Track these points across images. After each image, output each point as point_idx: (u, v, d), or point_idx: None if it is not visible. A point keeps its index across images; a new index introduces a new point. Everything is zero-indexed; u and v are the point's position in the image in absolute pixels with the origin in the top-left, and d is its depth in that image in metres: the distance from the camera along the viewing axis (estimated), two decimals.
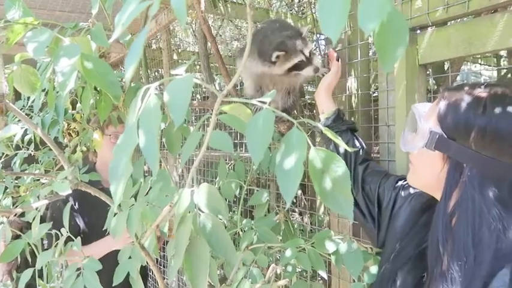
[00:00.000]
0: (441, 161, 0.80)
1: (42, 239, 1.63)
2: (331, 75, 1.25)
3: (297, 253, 1.11)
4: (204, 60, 1.84)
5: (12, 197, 1.55)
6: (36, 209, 1.00)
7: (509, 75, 2.87)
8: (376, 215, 1.06)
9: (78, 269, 0.99)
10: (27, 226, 1.19)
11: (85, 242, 1.64)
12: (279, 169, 0.50)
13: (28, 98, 1.58)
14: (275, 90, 0.63)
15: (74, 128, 1.56)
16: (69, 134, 1.57)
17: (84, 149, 1.60)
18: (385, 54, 0.43)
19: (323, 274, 1.09)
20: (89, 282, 0.94)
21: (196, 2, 1.37)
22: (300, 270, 1.37)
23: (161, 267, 2.78)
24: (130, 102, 0.55)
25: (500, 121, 0.72)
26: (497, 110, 0.72)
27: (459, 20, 1.13)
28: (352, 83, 1.42)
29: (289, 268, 1.14)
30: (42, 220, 1.37)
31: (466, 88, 0.78)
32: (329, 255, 1.10)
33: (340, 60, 1.30)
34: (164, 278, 2.44)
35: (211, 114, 0.60)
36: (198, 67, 2.64)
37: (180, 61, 2.77)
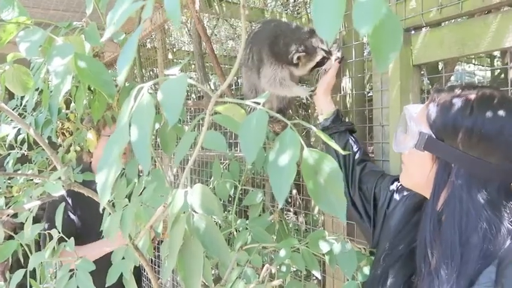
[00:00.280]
0: (430, 161, 0.81)
1: (38, 240, 1.63)
2: (330, 76, 1.25)
3: (291, 253, 1.11)
4: (199, 60, 1.84)
5: (5, 197, 1.54)
6: (29, 209, 0.99)
7: (502, 76, 2.90)
8: (372, 214, 1.08)
9: (72, 270, 0.99)
10: (21, 227, 1.18)
11: (82, 241, 1.64)
12: (271, 169, 0.50)
13: (21, 98, 1.57)
14: (268, 92, 0.63)
15: (68, 127, 1.54)
16: (63, 134, 1.56)
17: (78, 148, 1.58)
18: (379, 54, 0.43)
19: (317, 274, 1.10)
20: (82, 283, 0.93)
21: (190, 1, 1.36)
22: (294, 270, 1.37)
23: (155, 267, 2.77)
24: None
25: (487, 122, 0.73)
26: (484, 111, 0.74)
27: (453, 20, 1.13)
28: (346, 83, 1.43)
29: (284, 268, 1.14)
30: (37, 220, 1.36)
31: (455, 90, 0.80)
32: (323, 255, 1.10)
33: (340, 59, 1.30)
34: (158, 278, 2.44)
35: (205, 114, 0.60)
36: (193, 66, 2.63)
37: (175, 60, 2.76)
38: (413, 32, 1.18)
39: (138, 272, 2.04)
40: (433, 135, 0.79)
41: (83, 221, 1.77)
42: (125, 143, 0.52)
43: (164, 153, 1.12)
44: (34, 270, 1.11)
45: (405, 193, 1.01)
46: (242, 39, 0.59)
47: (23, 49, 0.71)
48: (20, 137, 1.55)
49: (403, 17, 1.15)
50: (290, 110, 1.65)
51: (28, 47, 0.71)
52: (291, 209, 2.56)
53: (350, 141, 1.19)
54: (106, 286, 0.95)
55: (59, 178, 0.93)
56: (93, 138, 1.52)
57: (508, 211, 0.73)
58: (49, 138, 1.34)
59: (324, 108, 1.25)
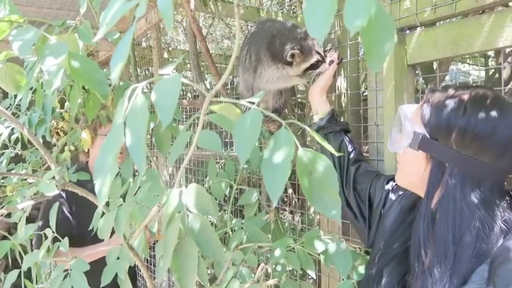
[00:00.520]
0: (425, 161, 0.82)
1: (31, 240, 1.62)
2: (327, 77, 1.25)
3: (287, 252, 1.11)
4: (194, 59, 1.83)
5: None
6: (22, 209, 0.98)
7: (496, 75, 2.91)
8: (367, 214, 1.08)
9: (66, 270, 0.98)
10: (16, 227, 1.18)
11: (78, 240, 1.63)
12: (265, 168, 0.50)
13: (15, 97, 1.55)
14: (263, 91, 0.63)
15: (62, 127, 1.54)
16: (57, 133, 1.55)
17: (72, 148, 1.58)
18: (372, 54, 0.43)
19: (312, 274, 1.10)
20: (77, 283, 0.93)
21: (185, 0, 1.36)
22: (290, 269, 1.38)
23: (151, 266, 2.76)
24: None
25: (480, 122, 0.74)
26: (477, 111, 0.75)
27: (447, 20, 1.14)
28: (341, 82, 1.43)
29: (279, 267, 1.14)
30: (32, 220, 1.35)
31: (449, 90, 0.81)
32: (319, 254, 1.11)
33: (340, 61, 1.31)
34: (154, 278, 2.43)
35: (200, 113, 0.60)
36: (188, 66, 2.62)
37: (170, 59, 2.75)
38: (407, 31, 1.18)
39: (133, 272, 2.03)
40: (427, 135, 0.80)
41: (79, 220, 1.77)
42: (120, 144, 0.52)
43: (159, 153, 1.12)
44: (31, 270, 1.10)
45: (400, 192, 1.01)
46: (236, 38, 0.59)
47: (16, 47, 0.71)
48: (13, 137, 1.54)
49: (397, 16, 1.16)
50: (286, 110, 1.66)
51: (21, 45, 0.71)
52: (287, 209, 2.57)
53: (345, 141, 1.19)
54: (101, 286, 0.94)
55: (53, 178, 0.92)
56: (87, 138, 1.51)
57: (501, 210, 0.74)
58: (43, 137, 1.33)
59: (319, 108, 1.25)
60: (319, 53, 1.24)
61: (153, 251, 2.35)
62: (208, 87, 2.58)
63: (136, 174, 1.17)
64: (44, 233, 1.11)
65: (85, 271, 0.97)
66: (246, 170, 1.78)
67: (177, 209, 0.62)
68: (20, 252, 1.17)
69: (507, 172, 0.78)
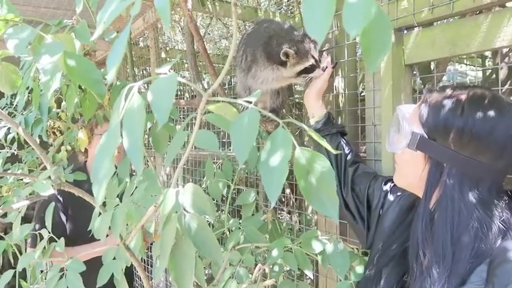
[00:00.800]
0: (423, 161, 0.82)
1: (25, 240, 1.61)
2: (322, 80, 1.25)
3: (284, 253, 1.11)
4: (191, 59, 1.83)
5: None
6: (18, 209, 0.98)
7: (493, 76, 2.92)
8: (366, 215, 1.08)
9: (62, 270, 0.98)
10: (12, 226, 1.17)
11: (74, 241, 1.62)
12: (263, 168, 0.49)
13: (11, 97, 1.55)
14: (260, 90, 0.63)
15: (59, 126, 1.53)
16: (54, 133, 1.54)
17: (69, 148, 1.57)
18: (370, 54, 0.43)
19: (309, 274, 1.10)
20: (72, 284, 0.92)
21: (183, 0, 1.36)
22: (288, 269, 1.38)
23: (148, 266, 2.76)
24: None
25: (477, 122, 0.74)
26: (475, 111, 0.75)
27: (445, 20, 1.14)
28: (339, 82, 1.43)
29: (276, 268, 1.14)
30: (28, 220, 1.34)
31: (447, 90, 0.81)
32: (316, 254, 1.11)
33: (334, 65, 1.30)
34: (150, 278, 2.43)
35: (197, 113, 0.60)
36: (186, 65, 2.62)
37: (168, 59, 2.75)
38: (405, 31, 1.18)
39: (130, 272, 2.03)
40: (425, 135, 0.80)
41: (75, 220, 1.76)
42: (117, 145, 0.51)
43: (157, 153, 1.12)
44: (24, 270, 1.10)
45: (399, 193, 1.01)
46: (234, 38, 0.59)
47: (11, 46, 0.70)
48: (9, 136, 1.53)
49: (395, 16, 1.16)
50: (283, 110, 1.65)
51: (16, 44, 0.70)
52: (285, 209, 2.56)
53: (342, 143, 1.19)
54: (97, 287, 0.94)
55: (49, 177, 0.91)
56: (84, 138, 1.51)
57: (499, 210, 0.74)
58: (40, 137, 1.32)
59: (315, 111, 1.25)
60: (314, 58, 1.24)
61: (150, 251, 2.35)
62: (205, 87, 2.57)
63: (134, 174, 1.17)
64: (40, 233, 1.11)
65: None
66: (243, 170, 1.78)
67: (174, 209, 0.62)
68: (15, 252, 1.16)
69: (505, 172, 0.78)
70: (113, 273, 0.94)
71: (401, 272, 0.86)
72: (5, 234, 1.25)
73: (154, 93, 0.50)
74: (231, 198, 1.42)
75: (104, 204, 0.96)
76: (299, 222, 2.33)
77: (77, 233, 1.71)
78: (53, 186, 0.89)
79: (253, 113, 0.52)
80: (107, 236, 1.25)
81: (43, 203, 1.65)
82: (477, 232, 0.72)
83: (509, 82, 2.45)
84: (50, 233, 1.07)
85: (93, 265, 1.06)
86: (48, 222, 1.06)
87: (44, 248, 1.08)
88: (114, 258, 0.95)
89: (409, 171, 0.86)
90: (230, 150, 2.05)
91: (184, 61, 2.55)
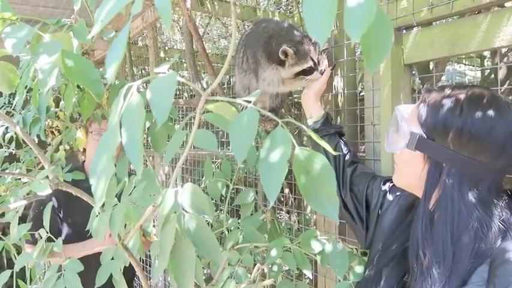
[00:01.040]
0: (422, 161, 0.82)
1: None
2: (321, 82, 1.25)
3: (283, 253, 1.11)
4: (190, 58, 1.82)
5: None
6: (15, 209, 0.97)
7: (492, 76, 2.92)
8: (365, 216, 1.08)
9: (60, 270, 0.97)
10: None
11: (71, 241, 1.61)
12: (262, 168, 0.49)
13: (9, 96, 1.54)
14: (260, 90, 0.63)
15: (57, 126, 1.53)
16: (52, 133, 1.54)
17: (67, 147, 1.56)
18: (370, 54, 0.43)
19: (308, 273, 1.10)
20: (70, 284, 0.92)
21: None
22: (286, 269, 1.38)
23: (147, 266, 2.75)
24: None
25: (476, 122, 0.74)
26: (474, 111, 0.75)
27: (444, 20, 1.14)
28: (338, 82, 1.43)
29: (275, 268, 1.13)
30: (26, 220, 1.34)
31: (446, 90, 0.81)
32: (315, 254, 1.10)
33: (333, 67, 1.30)
34: (149, 278, 2.42)
35: (196, 112, 0.60)
36: (185, 65, 2.62)
37: (167, 59, 2.74)
38: (404, 31, 1.18)
39: (131, 271, 2.02)
40: (424, 135, 0.80)
41: (69, 220, 1.75)
42: (116, 144, 0.51)
43: (155, 152, 1.11)
44: (25, 271, 1.09)
45: (398, 193, 1.01)
46: (233, 38, 0.58)
47: (9, 45, 0.70)
48: (7, 136, 1.52)
49: (394, 16, 1.16)
50: (282, 109, 1.65)
51: (14, 43, 0.70)
52: (284, 208, 2.56)
53: (340, 143, 1.19)
54: (96, 287, 0.93)
55: (46, 177, 0.91)
56: (82, 137, 1.50)
57: (498, 210, 0.74)
58: (38, 136, 1.32)
59: (314, 112, 1.25)
60: (313, 60, 1.23)
61: (149, 251, 2.34)
62: (204, 86, 2.57)
63: (133, 173, 1.16)
64: (39, 233, 1.11)
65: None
66: (242, 170, 1.78)
67: (173, 209, 0.62)
68: (12, 252, 1.16)
69: (504, 171, 0.78)
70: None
71: (401, 272, 0.86)
72: (3, 234, 1.24)
73: (153, 92, 0.50)
74: (229, 197, 1.41)
75: (102, 204, 0.95)
76: (298, 222, 2.33)
77: (70, 232, 1.71)
78: (50, 186, 0.89)
79: (252, 112, 0.52)
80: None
81: (37, 203, 1.64)
82: (477, 232, 0.72)
83: (508, 82, 2.46)
84: (47, 232, 1.07)
85: (89, 263, 1.06)
86: (46, 221, 1.06)
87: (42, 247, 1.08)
88: (113, 259, 0.94)
89: (408, 171, 0.86)
90: (229, 149, 2.05)
91: (183, 60, 2.54)
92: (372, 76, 1.26)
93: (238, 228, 1.28)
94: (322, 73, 1.24)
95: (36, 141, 1.09)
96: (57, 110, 1.58)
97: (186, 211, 0.63)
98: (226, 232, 1.34)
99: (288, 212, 2.73)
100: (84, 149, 1.78)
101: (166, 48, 3.12)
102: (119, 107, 0.52)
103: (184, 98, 2.92)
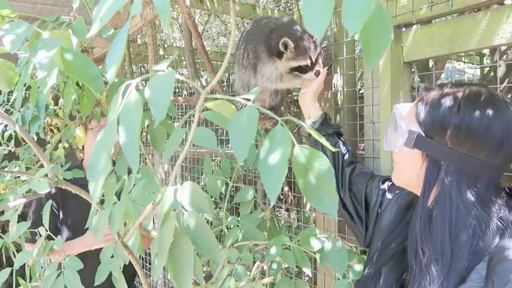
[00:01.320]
0: (421, 159, 0.82)
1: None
2: (319, 82, 1.25)
3: (282, 250, 1.11)
4: (189, 56, 1.82)
5: None
6: (14, 207, 0.97)
7: (491, 74, 2.92)
8: (364, 215, 1.08)
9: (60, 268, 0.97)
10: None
11: (66, 238, 1.62)
12: (262, 166, 0.49)
13: (8, 94, 1.54)
14: (259, 88, 0.63)
15: (56, 124, 1.52)
16: (51, 131, 1.53)
17: (66, 145, 1.56)
18: (369, 51, 0.43)
19: (307, 271, 1.10)
20: (70, 282, 0.92)
21: None
22: (286, 266, 1.38)
23: (147, 264, 2.76)
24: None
25: (473, 119, 0.74)
26: (471, 108, 0.75)
27: (443, 18, 1.14)
28: (337, 80, 1.42)
29: (275, 265, 1.14)
30: (25, 218, 1.33)
31: (443, 88, 0.81)
32: (314, 252, 1.11)
33: (329, 67, 1.30)
34: (149, 276, 2.42)
35: (196, 110, 0.59)
36: (184, 63, 2.61)
37: (166, 56, 2.74)
38: (404, 29, 1.18)
39: (131, 268, 2.02)
40: (423, 133, 0.80)
41: (70, 216, 1.75)
42: (114, 141, 0.51)
43: (155, 150, 1.11)
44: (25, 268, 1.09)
45: (397, 192, 1.01)
46: (232, 35, 0.58)
47: (8, 42, 0.70)
48: (6, 133, 1.52)
49: (394, 14, 1.15)
50: (282, 107, 1.65)
51: (13, 40, 0.70)
52: (283, 206, 2.57)
53: (339, 143, 1.19)
54: (95, 285, 0.93)
55: (46, 175, 0.91)
56: (81, 135, 1.50)
57: (497, 207, 0.74)
58: (37, 134, 1.32)
59: (312, 112, 1.25)
60: (311, 59, 1.23)
61: (148, 249, 2.34)
62: (204, 84, 2.56)
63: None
64: (38, 231, 1.11)
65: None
66: (241, 168, 1.78)
67: (172, 207, 0.62)
68: (11, 248, 1.16)
69: (502, 169, 0.78)
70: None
71: (400, 270, 0.87)
72: (3, 232, 1.24)
73: (152, 90, 0.50)
74: (229, 195, 1.41)
75: (102, 202, 0.96)
76: (297, 219, 2.33)
77: (69, 230, 1.71)
78: (49, 184, 0.89)
79: (251, 110, 0.52)
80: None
81: (37, 200, 1.64)
82: (475, 229, 0.72)
83: (507, 80, 2.46)
84: (47, 230, 1.07)
85: (89, 261, 1.06)
86: (46, 219, 1.06)
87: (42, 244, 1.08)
88: (112, 256, 0.94)
89: (407, 169, 0.86)
90: (228, 147, 2.05)
91: (183, 58, 2.54)
92: (372, 74, 1.26)
93: (238, 226, 1.28)
94: (316, 74, 1.24)
95: (35, 139, 1.09)
96: (56, 108, 1.57)
97: (185, 209, 0.63)
98: (226, 230, 1.34)
99: (287, 210, 2.74)
100: (83, 147, 1.78)
101: (166, 45, 3.11)
102: (118, 105, 0.52)
103: (183, 95, 2.92)
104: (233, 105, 0.65)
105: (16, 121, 1.21)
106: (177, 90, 2.80)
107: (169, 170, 2.56)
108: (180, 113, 2.56)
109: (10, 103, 1.50)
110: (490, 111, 0.74)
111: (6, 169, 1.58)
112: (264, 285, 1.02)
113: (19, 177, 1.52)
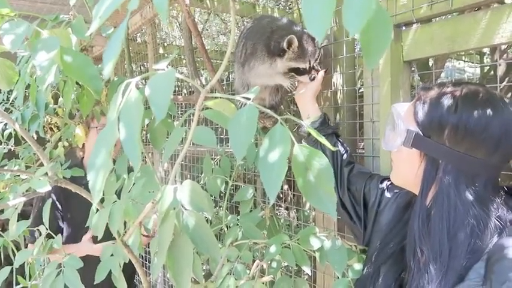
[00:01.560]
0: (419, 158, 0.82)
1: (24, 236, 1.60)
2: (317, 83, 1.26)
3: (282, 249, 1.11)
4: (189, 55, 1.82)
5: None
6: (14, 206, 0.97)
7: (491, 73, 2.92)
8: (362, 214, 1.08)
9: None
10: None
11: (71, 237, 1.62)
12: (262, 165, 0.49)
13: (8, 92, 1.54)
14: (259, 87, 0.63)
15: (56, 122, 1.52)
16: (51, 129, 1.53)
17: (66, 144, 1.56)
18: (369, 50, 0.43)
19: (307, 270, 1.10)
20: (70, 281, 0.92)
21: None
22: (285, 265, 1.38)
23: (146, 262, 2.76)
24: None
25: (471, 118, 0.74)
26: (468, 108, 0.75)
27: (444, 17, 1.14)
28: (337, 79, 1.42)
29: (274, 264, 1.14)
30: (26, 217, 1.34)
31: (441, 87, 0.81)
32: (314, 251, 1.11)
33: (326, 70, 1.31)
34: (149, 275, 2.43)
35: (195, 109, 0.59)
36: (184, 61, 2.61)
37: (165, 55, 2.73)
38: (404, 28, 1.18)
39: (132, 266, 2.02)
40: (420, 133, 0.80)
41: (72, 216, 1.75)
42: (114, 140, 0.51)
43: (155, 149, 1.11)
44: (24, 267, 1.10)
45: (396, 191, 1.01)
46: (232, 34, 0.58)
47: (8, 41, 0.70)
48: (6, 132, 1.52)
49: (393, 12, 1.15)
50: (282, 106, 1.65)
51: (13, 39, 0.69)
52: (282, 205, 2.57)
53: (337, 143, 1.20)
54: (95, 283, 0.94)
55: (45, 174, 0.91)
56: (81, 134, 1.50)
57: (495, 206, 0.74)
58: (37, 133, 1.32)
59: (311, 112, 1.25)
60: (310, 63, 1.23)
61: (148, 247, 2.35)
62: (203, 83, 2.56)
63: (132, 170, 1.16)
64: (38, 230, 1.11)
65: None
66: (241, 167, 1.78)
67: (171, 206, 0.62)
68: (10, 246, 1.16)
69: (500, 167, 0.78)
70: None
71: (399, 269, 0.87)
72: (2, 231, 1.24)
73: (152, 88, 0.50)
74: (229, 194, 1.41)
75: (102, 200, 0.96)
76: (297, 218, 2.33)
77: (70, 228, 1.71)
78: (49, 182, 0.89)
79: (251, 109, 0.52)
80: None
81: (39, 199, 1.65)
82: (473, 228, 0.72)
83: (507, 79, 2.46)
84: (47, 229, 1.07)
85: (89, 260, 1.06)
86: (46, 218, 1.06)
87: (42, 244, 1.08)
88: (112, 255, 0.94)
89: (405, 169, 0.86)
90: (228, 146, 2.05)
91: (182, 57, 2.53)
92: (371, 73, 1.26)
93: (237, 224, 1.28)
94: (311, 79, 1.24)
95: (35, 138, 1.09)
96: (56, 107, 1.57)
97: (185, 208, 0.63)
98: (226, 229, 1.34)
99: (287, 209, 2.74)
100: (83, 145, 1.78)
101: (165, 44, 3.11)
102: (118, 103, 0.52)
103: (183, 94, 2.92)
104: (233, 104, 0.65)
105: (16, 120, 1.21)
106: (176, 89, 2.80)
107: (169, 169, 2.57)
108: (179, 112, 2.56)
109: (10, 102, 1.50)
110: (487, 110, 0.74)
111: (6, 168, 1.58)
112: (263, 283, 1.02)
113: (19, 175, 1.52)
